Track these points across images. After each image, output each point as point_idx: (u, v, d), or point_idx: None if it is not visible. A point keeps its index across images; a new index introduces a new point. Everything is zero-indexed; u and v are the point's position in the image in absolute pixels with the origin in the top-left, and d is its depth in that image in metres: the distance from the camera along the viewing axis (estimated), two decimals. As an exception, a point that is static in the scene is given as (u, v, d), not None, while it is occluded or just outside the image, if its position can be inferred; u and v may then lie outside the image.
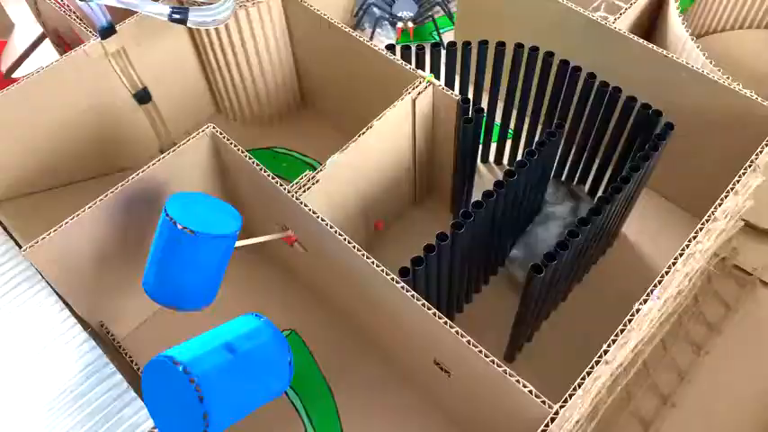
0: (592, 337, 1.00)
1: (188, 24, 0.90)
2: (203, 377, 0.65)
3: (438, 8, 1.47)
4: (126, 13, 1.04)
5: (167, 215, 0.74)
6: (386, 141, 0.96)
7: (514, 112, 1.10)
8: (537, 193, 0.98)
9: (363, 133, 0.88)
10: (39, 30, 1.48)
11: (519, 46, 0.98)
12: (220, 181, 0.97)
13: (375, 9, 1.50)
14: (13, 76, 1.30)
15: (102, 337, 0.94)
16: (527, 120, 1.10)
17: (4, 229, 1.02)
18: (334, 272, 0.91)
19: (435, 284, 0.84)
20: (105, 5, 0.97)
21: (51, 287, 0.95)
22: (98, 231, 0.86)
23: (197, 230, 0.74)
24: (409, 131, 0.99)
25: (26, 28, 1.52)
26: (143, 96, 1.14)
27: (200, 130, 0.89)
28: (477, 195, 1.07)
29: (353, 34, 1.01)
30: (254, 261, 1.07)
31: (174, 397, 0.66)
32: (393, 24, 1.46)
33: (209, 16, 0.91)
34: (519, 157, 1.17)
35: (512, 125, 1.14)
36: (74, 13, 1.08)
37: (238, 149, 0.87)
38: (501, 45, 0.98)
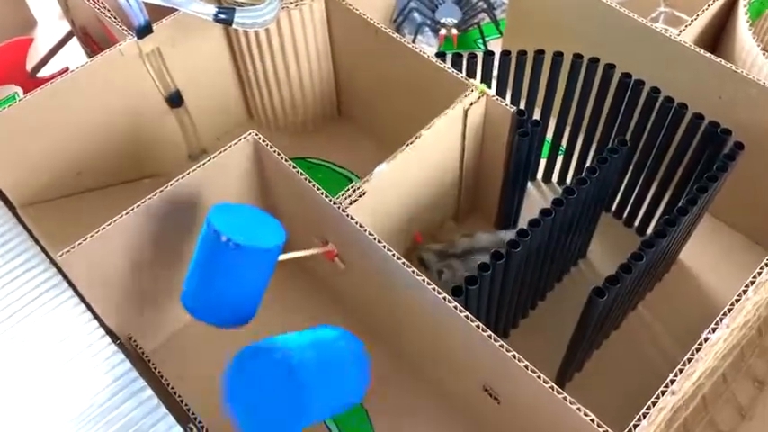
0: (646, 368, 1.01)
1: (233, 26, 0.93)
2: (301, 364, 0.69)
3: (484, 15, 1.50)
4: (161, 13, 1.07)
5: (211, 226, 0.77)
6: (433, 154, 0.98)
7: (568, 128, 1.12)
8: (592, 216, 1.00)
9: (412, 142, 0.91)
10: (62, 27, 1.53)
11: (578, 57, 1.00)
12: (259, 190, 1.00)
13: (416, 15, 1.52)
14: (38, 75, 1.34)
15: (129, 350, 0.96)
16: (581, 136, 1.12)
17: (30, 234, 1.05)
18: (375, 290, 0.93)
19: (485, 307, 0.86)
20: (144, 3, 1.01)
21: (79, 296, 0.97)
22: (133, 239, 0.88)
23: (242, 243, 0.76)
24: (458, 144, 1.01)
25: (49, 25, 1.57)
26: (175, 99, 1.18)
27: (242, 137, 0.92)
28: (524, 215, 1.09)
29: (402, 41, 1.04)
30: (288, 276, 1.09)
31: (266, 388, 0.70)
32: (435, 31, 1.49)
33: (255, 18, 0.94)
34: (570, 176, 1.19)
35: (564, 141, 1.16)
36: (107, 10, 1.11)
37: (282, 158, 0.90)
38: (558, 55, 1.01)
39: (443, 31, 1.46)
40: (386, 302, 0.92)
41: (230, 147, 0.92)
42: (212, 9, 0.93)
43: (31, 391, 0.88)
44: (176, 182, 0.88)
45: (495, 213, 1.14)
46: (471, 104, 0.95)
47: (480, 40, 1.48)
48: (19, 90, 1.38)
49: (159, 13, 1.07)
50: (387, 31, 1.06)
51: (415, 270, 0.78)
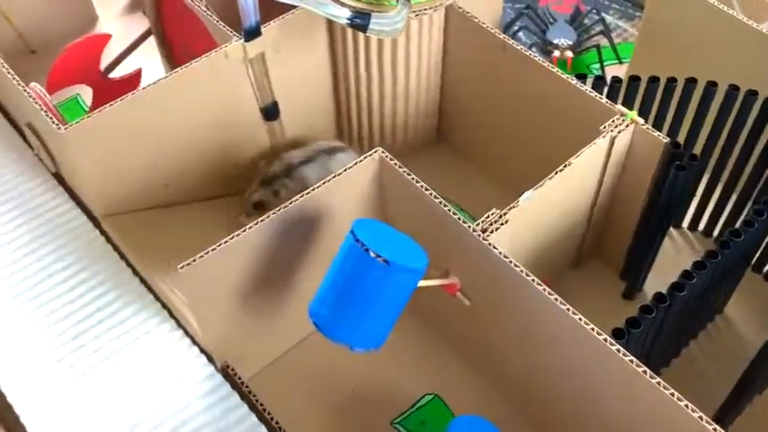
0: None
1: (366, 32, 1.00)
2: None
3: (600, 36, 1.57)
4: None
5: (359, 241, 0.82)
6: (572, 188, 1.04)
7: (708, 170, 1.18)
8: (741, 268, 1.05)
9: (561, 170, 0.96)
10: (123, 24, 1.62)
11: (734, 88, 1.06)
12: (379, 212, 1.05)
13: (522, 34, 1.60)
14: (110, 76, 1.42)
15: (225, 378, 1.02)
16: (723, 177, 1.17)
17: (114, 247, 1.12)
18: (506, 331, 0.98)
19: (638, 354, 0.90)
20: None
21: (174, 319, 1.04)
22: (251, 257, 0.94)
23: (390, 260, 0.82)
24: (596, 179, 1.07)
25: (110, 22, 1.66)
26: (271, 111, 1.24)
27: (368, 154, 0.98)
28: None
29: (537, 59, 1.11)
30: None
31: None
32: (546, 53, 1.56)
33: (388, 25, 1.02)
34: (704, 222, 1.25)
35: (702, 184, 1.21)
36: (207, 8, 1.19)
37: (413, 179, 0.96)
38: (712, 85, 1.07)
39: (556, 53, 1.53)
40: (518, 347, 0.97)
41: (355, 164, 0.98)
42: (347, 12, 1.00)
43: (136, 415, 0.94)
44: (298, 200, 0.94)
45: (622, 259, 1.19)
46: (619, 133, 1.01)
47: (596, 65, 1.54)
48: (82, 91, 1.46)
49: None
50: (518, 47, 1.13)
51: (569, 307, 0.83)
